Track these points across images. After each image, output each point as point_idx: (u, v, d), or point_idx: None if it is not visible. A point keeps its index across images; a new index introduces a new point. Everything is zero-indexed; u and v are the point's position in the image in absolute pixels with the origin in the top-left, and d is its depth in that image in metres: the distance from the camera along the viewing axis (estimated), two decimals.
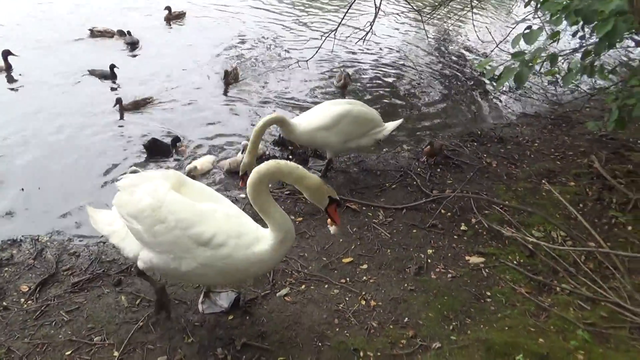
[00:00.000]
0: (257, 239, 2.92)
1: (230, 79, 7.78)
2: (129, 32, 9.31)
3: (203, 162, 5.59)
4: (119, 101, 6.73)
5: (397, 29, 11.61)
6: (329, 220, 3.18)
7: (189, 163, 5.57)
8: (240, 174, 4.68)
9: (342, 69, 8.23)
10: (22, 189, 5.00)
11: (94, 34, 9.59)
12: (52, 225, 4.48)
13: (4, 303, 3.46)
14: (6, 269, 3.83)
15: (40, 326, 3.29)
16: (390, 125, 5.38)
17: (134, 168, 5.17)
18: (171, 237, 2.81)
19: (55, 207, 4.79)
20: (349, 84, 7.94)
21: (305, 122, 4.99)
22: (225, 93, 7.66)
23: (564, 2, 3.71)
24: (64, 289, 3.62)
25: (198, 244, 2.81)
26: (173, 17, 10.83)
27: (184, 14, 11.08)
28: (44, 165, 5.51)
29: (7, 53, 7.70)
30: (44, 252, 4.05)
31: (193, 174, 5.37)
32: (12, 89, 7.38)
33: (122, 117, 6.67)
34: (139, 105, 6.90)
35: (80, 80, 7.70)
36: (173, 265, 2.89)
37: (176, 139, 6.04)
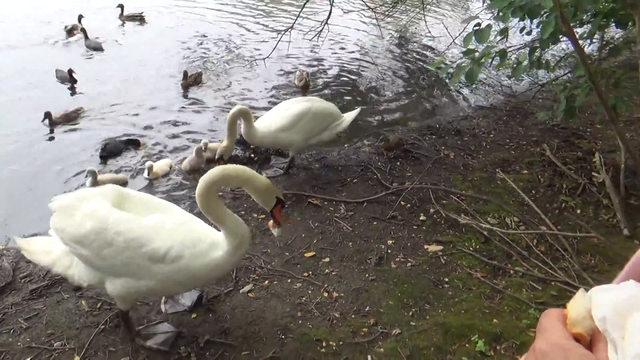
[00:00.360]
0: (213, 245, 2.85)
1: (190, 81, 7.73)
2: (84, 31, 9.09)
3: (161, 165, 5.56)
4: (47, 115, 6.33)
5: (357, 27, 11.74)
6: (271, 222, 3.17)
7: (146, 165, 5.53)
8: (216, 157, 4.72)
9: (301, 70, 8.27)
10: None
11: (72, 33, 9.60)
12: (7, 234, 4.39)
13: None
14: None
15: None
16: (349, 116, 5.48)
17: (91, 169, 5.12)
18: (123, 259, 2.69)
19: (10, 216, 4.71)
20: (310, 84, 8.00)
21: (266, 125, 5.04)
22: (186, 95, 7.61)
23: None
24: (22, 297, 3.56)
25: (153, 262, 2.71)
26: (128, 18, 10.67)
27: (142, 16, 10.87)
28: None
29: None
30: (0, 261, 3.97)
31: (150, 177, 5.35)
32: None
33: (51, 132, 6.33)
34: (69, 119, 6.52)
35: (37, 85, 7.54)
36: (134, 287, 2.80)
37: (134, 141, 5.99)
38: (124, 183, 5.26)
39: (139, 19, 10.79)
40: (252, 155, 5.91)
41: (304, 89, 7.93)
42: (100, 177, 5.16)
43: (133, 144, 6.00)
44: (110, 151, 5.79)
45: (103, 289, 2.92)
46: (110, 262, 2.72)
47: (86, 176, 5.14)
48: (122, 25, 10.58)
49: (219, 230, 2.91)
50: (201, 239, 2.86)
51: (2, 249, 4.13)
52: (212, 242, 2.86)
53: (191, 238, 2.82)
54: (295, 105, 5.14)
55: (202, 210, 2.82)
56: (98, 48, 8.99)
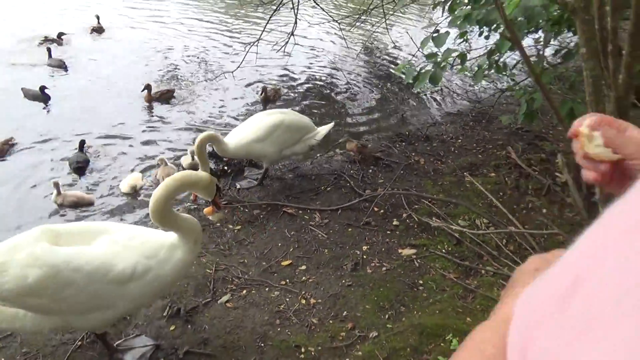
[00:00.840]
0: (172, 247, 2.84)
1: (155, 95, 7.57)
2: (49, 48, 8.92)
3: (132, 179, 5.51)
4: None
5: (326, 38, 11.92)
6: (208, 209, 3.26)
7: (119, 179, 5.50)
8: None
9: (265, 85, 8.26)
10: None
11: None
12: None
13: None
14: None
15: None
16: (323, 130, 5.56)
17: (55, 180, 5.05)
18: (89, 293, 2.56)
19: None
20: (274, 97, 7.99)
21: (239, 137, 5.08)
22: (151, 110, 7.49)
23: (466, 13, 4.05)
24: None
25: (123, 284, 2.63)
26: (96, 29, 10.60)
27: (101, 28, 10.74)
28: None
29: None
30: None
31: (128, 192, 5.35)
32: None
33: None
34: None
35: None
36: (108, 316, 2.75)
37: (82, 142, 5.96)
38: (89, 203, 5.20)
39: (101, 31, 10.68)
40: (226, 167, 5.93)
41: (265, 102, 7.96)
42: (65, 192, 5.10)
43: (82, 144, 5.94)
44: (80, 163, 5.72)
45: (69, 328, 2.86)
46: (74, 301, 2.55)
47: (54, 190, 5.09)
48: (90, 35, 10.49)
49: (167, 231, 2.92)
50: (159, 246, 2.83)
51: None
52: (170, 245, 2.85)
53: (149, 248, 2.78)
54: (268, 117, 5.21)
55: (159, 224, 2.80)
56: (61, 66, 8.83)
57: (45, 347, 3.25)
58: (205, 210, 3.31)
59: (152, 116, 7.38)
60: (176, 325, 3.48)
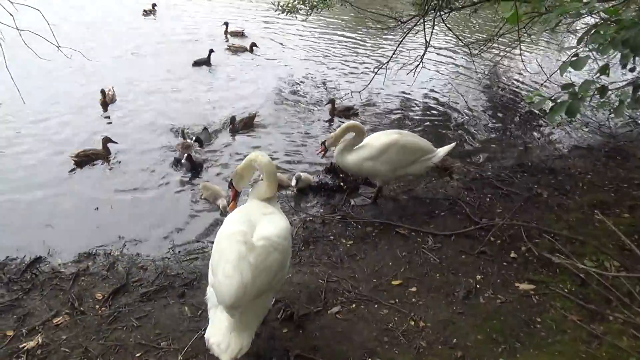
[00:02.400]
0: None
1: (238, 126, 7.74)
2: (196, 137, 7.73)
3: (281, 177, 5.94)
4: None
5: (448, 62, 11.82)
6: (232, 205, 3.57)
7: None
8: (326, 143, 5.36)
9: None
10: (97, 208, 5.46)
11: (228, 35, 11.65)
12: (123, 241, 4.87)
13: (82, 308, 3.81)
14: (83, 278, 4.21)
15: (113, 330, 3.59)
16: (442, 151, 5.48)
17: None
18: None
19: (125, 225, 5.20)
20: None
21: (355, 152, 5.22)
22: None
23: (611, 34, 3.80)
24: (134, 298, 3.94)
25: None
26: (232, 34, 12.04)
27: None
28: (112, 187, 6.00)
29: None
30: (116, 265, 4.42)
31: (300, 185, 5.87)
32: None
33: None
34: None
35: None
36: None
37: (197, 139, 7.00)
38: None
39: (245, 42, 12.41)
40: (342, 184, 6.10)
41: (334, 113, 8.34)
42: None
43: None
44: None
45: None
46: None
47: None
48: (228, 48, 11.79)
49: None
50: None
51: (117, 255, 4.59)
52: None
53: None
54: (384, 137, 5.29)
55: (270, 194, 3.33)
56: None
57: (174, 331, 3.58)
58: (230, 205, 3.58)
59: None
60: (289, 329, 3.65)
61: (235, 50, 11.70)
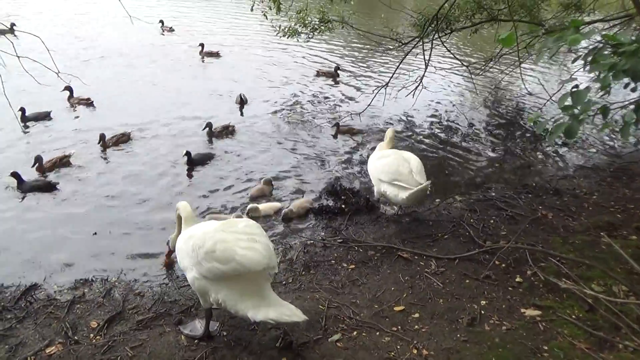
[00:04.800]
0: None
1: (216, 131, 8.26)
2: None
3: (266, 207, 5.89)
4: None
5: (448, 83, 11.83)
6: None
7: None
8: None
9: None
10: (95, 233, 5.40)
11: (319, 73, 11.62)
12: (120, 267, 4.79)
13: (75, 337, 3.71)
14: (78, 305, 4.12)
15: None
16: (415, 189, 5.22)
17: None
18: None
19: (122, 251, 5.13)
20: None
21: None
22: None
23: (611, 61, 3.76)
24: (129, 327, 3.85)
25: None
26: (207, 55, 11.80)
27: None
28: (112, 213, 5.93)
29: None
30: (112, 292, 4.33)
31: (253, 215, 5.70)
32: None
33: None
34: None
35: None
36: None
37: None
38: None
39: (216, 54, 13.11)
40: (343, 206, 6.02)
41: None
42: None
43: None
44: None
45: None
46: None
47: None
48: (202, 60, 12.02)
49: None
50: None
51: (114, 281, 4.51)
52: None
53: None
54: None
55: None
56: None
57: None
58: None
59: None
60: (287, 358, 3.54)
61: (321, 74, 11.85)
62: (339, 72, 11.63)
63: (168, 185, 6.72)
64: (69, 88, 8.97)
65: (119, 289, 4.37)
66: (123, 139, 7.69)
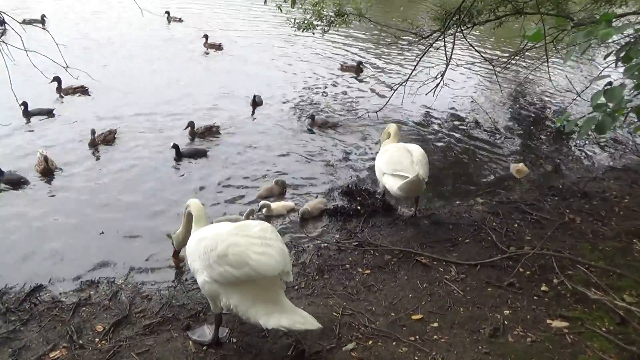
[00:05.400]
0: None
1: (192, 131, 7.90)
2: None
3: (279, 205, 5.77)
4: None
5: (471, 79, 11.52)
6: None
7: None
8: None
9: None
10: (102, 232, 5.29)
11: (343, 68, 11.43)
12: (127, 269, 4.67)
13: (80, 341, 3.60)
14: (84, 308, 4.01)
15: None
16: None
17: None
18: None
19: (131, 252, 5.00)
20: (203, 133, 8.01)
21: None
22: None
23: None
24: (136, 331, 3.72)
25: None
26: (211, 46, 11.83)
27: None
28: (119, 214, 5.78)
29: None
30: (119, 295, 4.21)
31: (267, 214, 5.61)
32: None
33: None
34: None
35: None
36: None
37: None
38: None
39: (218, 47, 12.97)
40: (359, 207, 5.82)
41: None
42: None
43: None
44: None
45: None
46: None
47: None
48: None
49: None
50: None
51: (121, 283, 4.40)
52: None
53: None
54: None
55: None
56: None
57: None
58: None
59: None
60: None
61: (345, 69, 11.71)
62: (361, 67, 11.38)
63: (177, 182, 6.62)
64: (57, 79, 8.96)
65: (125, 292, 4.25)
66: (110, 136, 7.56)
